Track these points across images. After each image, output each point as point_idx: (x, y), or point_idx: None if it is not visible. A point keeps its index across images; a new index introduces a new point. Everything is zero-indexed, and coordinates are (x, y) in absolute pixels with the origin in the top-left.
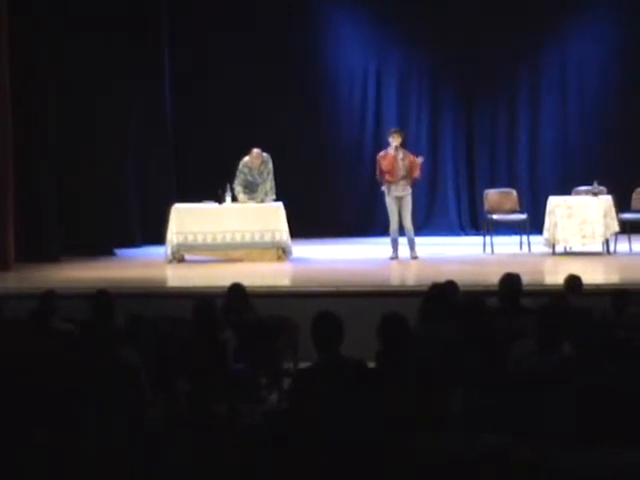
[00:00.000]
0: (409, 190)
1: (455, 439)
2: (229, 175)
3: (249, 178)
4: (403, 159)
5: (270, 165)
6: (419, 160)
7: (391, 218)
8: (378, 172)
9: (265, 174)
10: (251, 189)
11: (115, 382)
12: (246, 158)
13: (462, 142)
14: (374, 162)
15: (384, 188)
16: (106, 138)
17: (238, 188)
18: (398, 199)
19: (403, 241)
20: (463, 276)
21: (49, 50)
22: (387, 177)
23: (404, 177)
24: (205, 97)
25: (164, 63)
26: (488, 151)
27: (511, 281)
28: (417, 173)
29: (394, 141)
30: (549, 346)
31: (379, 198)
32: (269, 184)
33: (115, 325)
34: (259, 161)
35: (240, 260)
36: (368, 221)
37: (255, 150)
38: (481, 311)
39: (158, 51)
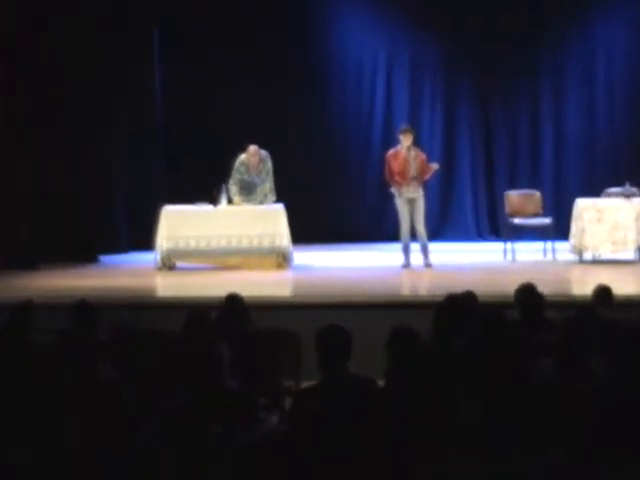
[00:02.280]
0: (421, 191)
1: (470, 462)
2: (224, 174)
3: (246, 178)
4: (415, 158)
5: (269, 164)
6: (434, 166)
7: (402, 222)
8: (387, 172)
9: (264, 174)
10: (248, 190)
11: (95, 400)
12: (242, 156)
13: (479, 138)
14: (382, 160)
15: (393, 190)
16: (88, 132)
17: (233, 189)
18: (410, 201)
19: (415, 247)
20: (481, 286)
21: (33, 40)
22: (397, 178)
23: (415, 178)
24: (198, 87)
25: (152, 51)
26: (508, 148)
27: (529, 292)
28: (428, 176)
29: (405, 140)
30: (573, 363)
31: (388, 200)
32: (268, 185)
33: (98, 338)
34: (257, 159)
35: (237, 268)
36: (377, 225)
37: (252, 147)
38: (501, 325)
39: (147, 39)
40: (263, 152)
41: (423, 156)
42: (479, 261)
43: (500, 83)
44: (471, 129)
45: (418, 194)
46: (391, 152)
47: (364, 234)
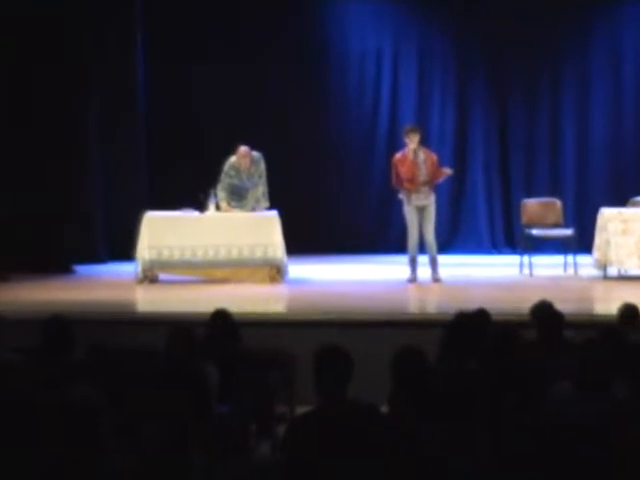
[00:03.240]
0: (433, 198)
1: None
2: (213, 177)
3: (236, 182)
4: (425, 161)
5: (262, 166)
6: (447, 172)
7: (410, 232)
8: (394, 179)
9: (256, 177)
10: (239, 195)
11: (69, 425)
12: (233, 158)
13: (494, 140)
14: (388, 163)
15: (402, 196)
16: (62, 130)
17: (221, 194)
18: (419, 209)
19: (423, 260)
20: (495, 303)
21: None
22: (406, 185)
23: (426, 182)
24: (184, 81)
25: (135, 45)
26: (526, 151)
27: (547, 310)
28: (439, 180)
29: (411, 142)
30: (594, 389)
31: (394, 207)
32: (261, 189)
33: (72, 357)
34: (248, 161)
35: (225, 281)
36: (380, 235)
37: (242, 148)
38: (516, 345)
39: (130, 34)
40: (255, 154)
41: (434, 157)
42: (493, 275)
43: (517, 79)
44: (485, 130)
45: (429, 201)
46: (398, 156)
47: (366, 245)
